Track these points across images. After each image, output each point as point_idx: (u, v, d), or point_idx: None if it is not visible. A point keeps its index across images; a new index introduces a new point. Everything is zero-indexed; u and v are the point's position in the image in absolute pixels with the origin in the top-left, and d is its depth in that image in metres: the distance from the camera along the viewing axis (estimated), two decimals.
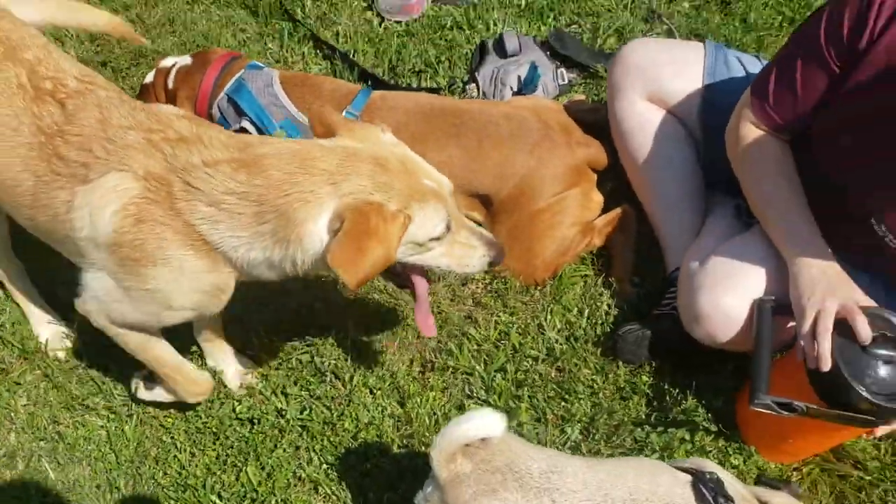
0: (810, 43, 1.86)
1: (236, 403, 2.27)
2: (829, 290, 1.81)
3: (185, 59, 2.57)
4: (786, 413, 1.79)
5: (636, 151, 2.41)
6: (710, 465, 1.73)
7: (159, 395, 2.19)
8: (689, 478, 1.67)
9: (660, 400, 2.20)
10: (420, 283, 1.98)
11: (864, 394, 1.71)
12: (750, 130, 2.04)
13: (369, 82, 2.88)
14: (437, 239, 1.77)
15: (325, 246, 1.66)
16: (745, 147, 2.06)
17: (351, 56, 3.01)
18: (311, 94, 2.47)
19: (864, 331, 1.74)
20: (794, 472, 2.09)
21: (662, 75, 2.35)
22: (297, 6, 3.21)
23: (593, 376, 2.25)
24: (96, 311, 1.91)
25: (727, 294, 2.00)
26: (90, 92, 1.79)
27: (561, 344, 2.31)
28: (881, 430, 1.98)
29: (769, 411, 1.80)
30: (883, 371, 1.74)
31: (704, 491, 1.62)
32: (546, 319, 2.36)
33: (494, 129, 2.42)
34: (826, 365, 1.73)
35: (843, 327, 1.76)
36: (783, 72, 1.93)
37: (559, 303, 2.39)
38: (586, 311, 2.37)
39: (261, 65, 2.55)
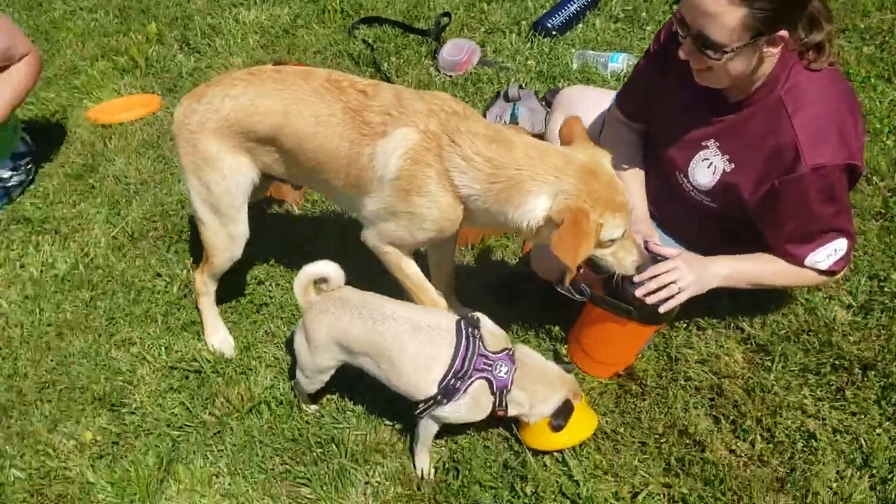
0: (647, 53, 2.70)
1: (248, 301, 3.29)
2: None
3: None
4: (578, 297, 2.52)
5: None
6: (479, 314, 2.51)
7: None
8: (457, 317, 2.48)
9: (525, 326, 2.96)
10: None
11: (629, 290, 2.45)
12: (612, 124, 2.88)
13: None
14: (612, 241, 2.32)
15: (534, 217, 2.24)
16: (606, 136, 2.89)
17: None
18: None
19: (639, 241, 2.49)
20: (599, 384, 2.75)
21: (578, 110, 3.20)
22: (385, 61, 4.39)
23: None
24: (372, 235, 2.59)
25: None
26: (380, 84, 2.50)
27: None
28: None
29: (566, 293, 2.52)
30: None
31: (462, 324, 2.43)
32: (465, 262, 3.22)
33: None
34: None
35: None
36: (632, 75, 2.78)
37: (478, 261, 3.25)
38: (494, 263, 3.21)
39: None
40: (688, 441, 2.51)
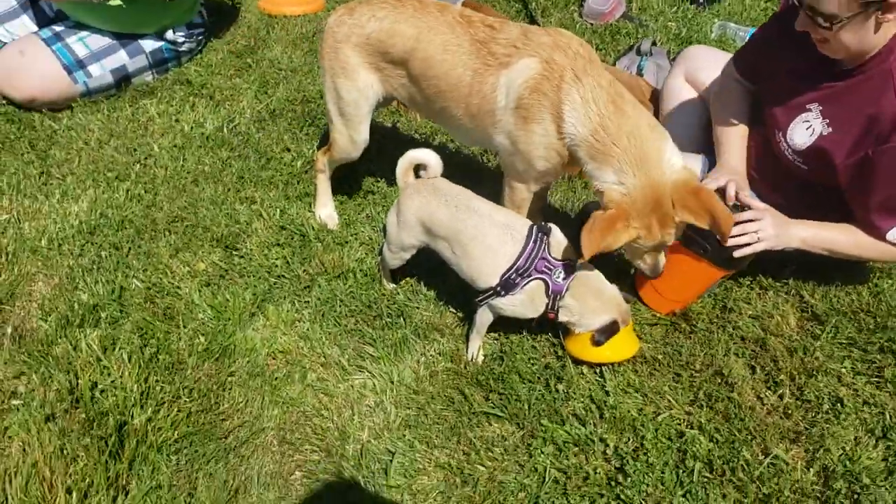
0: (773, 16, 2.82)
1: (357, 186, 3.65)
2: (724, 173, 2.76)
3: None
4: None
5: (665, 108, 3.41)
6: (552, 225, 2.73)
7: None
8: (532, 223, 2.70)
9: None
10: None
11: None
12: (726, 81, 3.01)
13: None
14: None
15: (598, 182, 2.44)
16: (719, 92, 3.02)
17: None
18: None
19: (730, 194, 2.67)
20: (653, 317, 2.93)
21: (700, 67, 3.33)
22: (532, 0, 4.60)
23: None
24: (504, 169, 2.85)
25: None
26: (508, 21, 2.70)
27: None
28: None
29: None
30: None
31: (534, 228, 2.65)
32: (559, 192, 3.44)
33: None
34: None
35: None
36: (754, 35, 2.91)
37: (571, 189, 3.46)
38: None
39: None
40: (720, 381, 2.67)
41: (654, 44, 3.99)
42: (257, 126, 4.00)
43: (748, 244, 2.60)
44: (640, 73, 3.84)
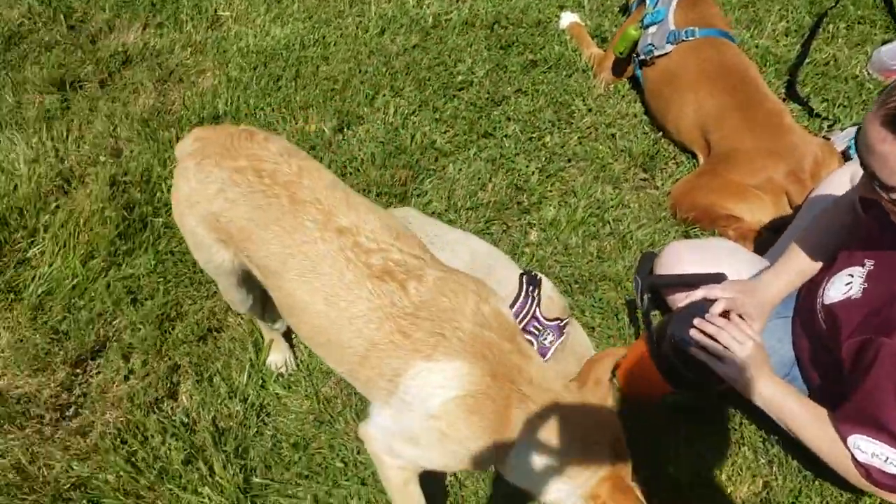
0: None
1: None
2: (735, 290, 2.28)
3: None
4: (640, 305, 2.51)
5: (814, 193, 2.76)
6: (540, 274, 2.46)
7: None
8: (520, 270, 2.46)
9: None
10: None
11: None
12: (844, 198, 2.36)
13: None
14: None
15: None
16: (832, 205, 2.41)
17: None
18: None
19: (714, 310, 2.21)
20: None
21: None
22: None
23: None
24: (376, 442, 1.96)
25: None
26: (425, 272, 1.80)
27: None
28: None
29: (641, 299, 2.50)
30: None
31: (524, 278, 2.41)
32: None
33: (756, 113, 3.02)
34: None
35: None
36: None
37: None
38: None
39: None
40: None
41: None
42: None
43: (708, 351, 2.15)
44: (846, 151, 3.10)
